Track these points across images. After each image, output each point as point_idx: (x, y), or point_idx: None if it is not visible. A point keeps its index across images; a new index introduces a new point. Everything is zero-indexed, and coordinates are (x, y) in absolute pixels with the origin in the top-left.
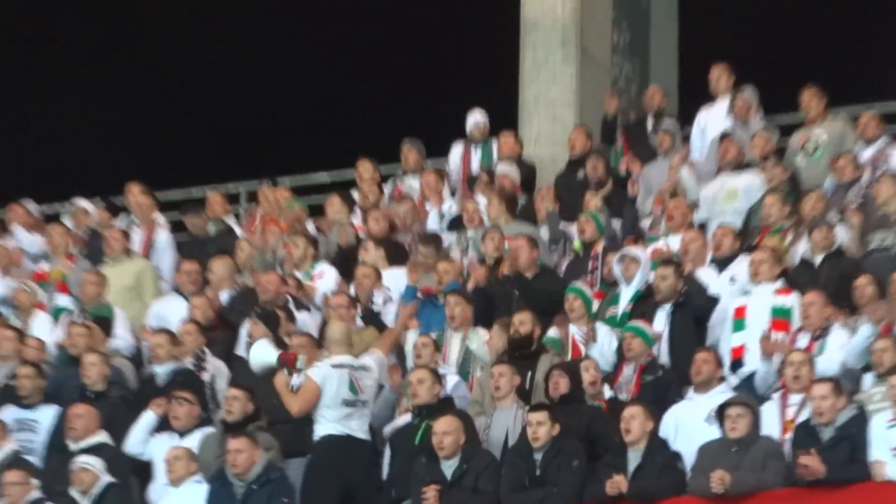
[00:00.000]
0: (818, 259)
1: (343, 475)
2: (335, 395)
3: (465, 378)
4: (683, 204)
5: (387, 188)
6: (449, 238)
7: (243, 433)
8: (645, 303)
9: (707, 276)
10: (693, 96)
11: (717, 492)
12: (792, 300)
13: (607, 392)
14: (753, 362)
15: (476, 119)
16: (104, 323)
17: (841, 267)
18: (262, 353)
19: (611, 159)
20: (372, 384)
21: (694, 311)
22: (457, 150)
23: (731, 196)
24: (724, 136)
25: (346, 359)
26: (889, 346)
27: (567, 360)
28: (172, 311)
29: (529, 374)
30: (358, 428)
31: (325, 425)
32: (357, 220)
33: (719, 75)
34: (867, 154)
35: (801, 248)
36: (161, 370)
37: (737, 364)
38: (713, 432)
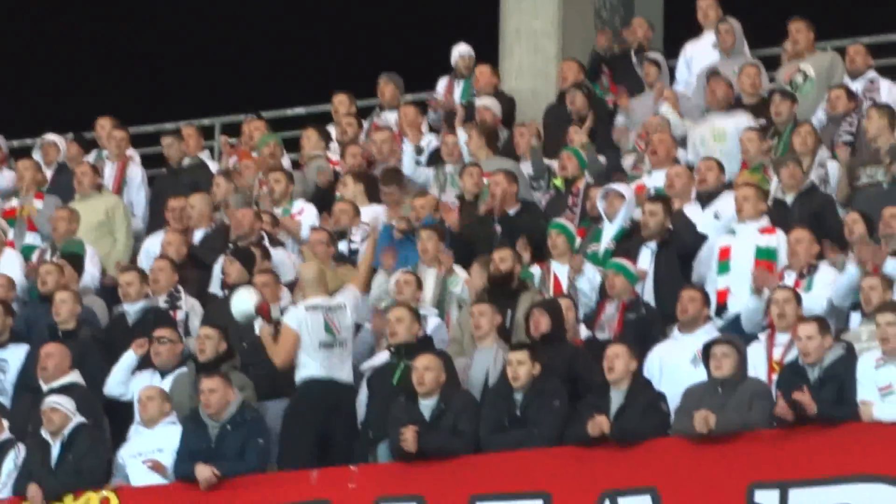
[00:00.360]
0: (790, 198)
1: (322, 420)
2: (312, 339)
3: (442, 316)
4: (668, 138)
5: (365, 123)
6: (427, 173)
7: (217, 373)
8: (629, 240)
9: (691, 212)
10: (678, 29)
11: (702, 432)
12: (776, 240)
13: (584, 332)
14: (738, 306)
15: (460, 51)
16: (75, 260)
17: (813, 205)
18: (242, 303)
19: (596, 90)
20: (348, 323)
21: (681, 249)
22: (441, 84)
23: (719, 137)
24: (712, 75)
25: (319, 300)
26: (876, 285)
27: (548, 297)
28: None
29: (510, 312)
30: (340, 370)
31: (307, 369)
32: (334, 154)
33: (707, 7)
34: (857, 87)
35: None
36: (132, 309)
37: (721, 308)
38: (699, 373)
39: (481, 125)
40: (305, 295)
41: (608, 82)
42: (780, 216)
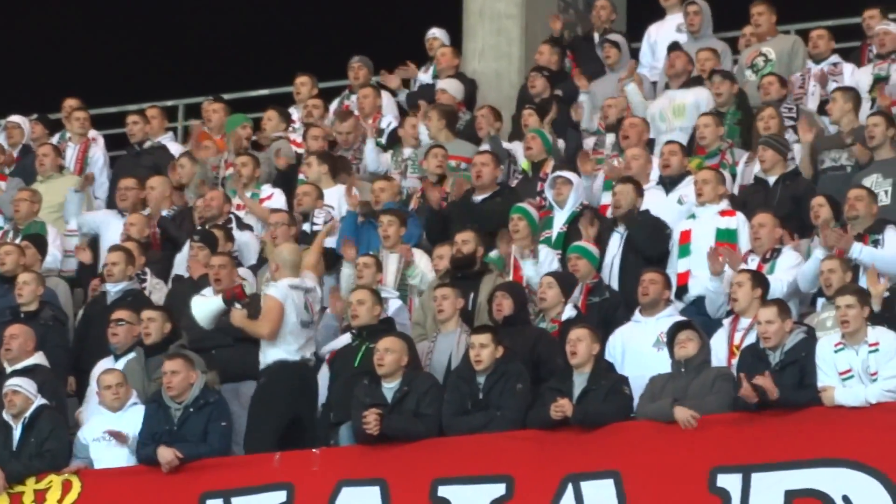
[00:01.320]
0: (772, 179)
1: (293, 404)
2: (295, 318)
3: (404, 301)
4: (640, 122)
5: (333, 105)
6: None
7: (178, 354)
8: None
9: (654, 196)
10: (641, 11)
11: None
12: (736, 221)
13: (568, 311)
14: (699, 288)
15: (431, 33)
16: (38, 241)
17: (797, 188)
18: (205, 305)
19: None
20: (318, 306)
21: (643, 246)
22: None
23: (678, 112)
24: (672, 49)
25: (297, 280)
26: (836, 267)
27: (497, 275)
28: (105, 226)
29: (472, 294)
30: (309, 351)
31: (281, 350)
32: (296, 136)
33: None
34: (814, 70)
35: (756, 168)
36: (113, 289)
37: (682, 290)
38: (661, 356)
39: (441, 107)
40: (282, 275)
41: (570, 65)
42: (761, 197)
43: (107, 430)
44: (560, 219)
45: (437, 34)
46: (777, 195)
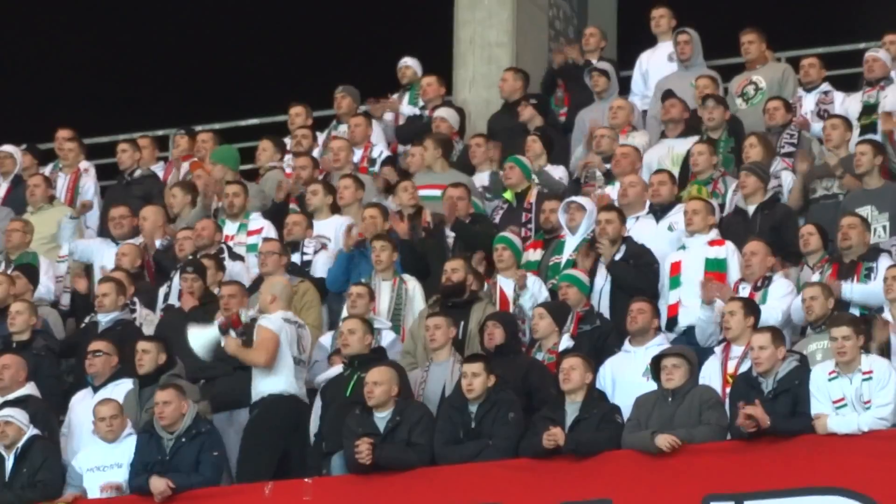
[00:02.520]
0: (751, 208)
1: (286, 438)
2: (289, 351)
3: (397, 330)
4: (632, 151)
5: (321, 136)
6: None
7: (170, 385)
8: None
9: (645, 224)
10: (632, 39)
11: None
12: (725, 251)
13: (565, 342)
14: (689, 318)
15: (402, 62)
16: (29, 271)
17: (774, 216)
18: (201, 336)
19: (551, 104)
20: (308, 344)
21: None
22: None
23: (677, 162)
24: (666, 95)
25: (290, 314)
26: (818, 294)
27: (488, 303)
28: (99, 254)
29: (462, 323)
30: (301, 387)
31: (275, 382)
32: (288, 167)
33: (660, 17)
34: (811, 100)
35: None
36: (104, 318)
37: (672, 322)
38: (651, 386)
39: (437, 136)
40: (276, 307)
41: (563, 94)
42: (740, 226)
43: (106, 487)
44: (571, 244)
45: (409, 63)
46: (757, 224)
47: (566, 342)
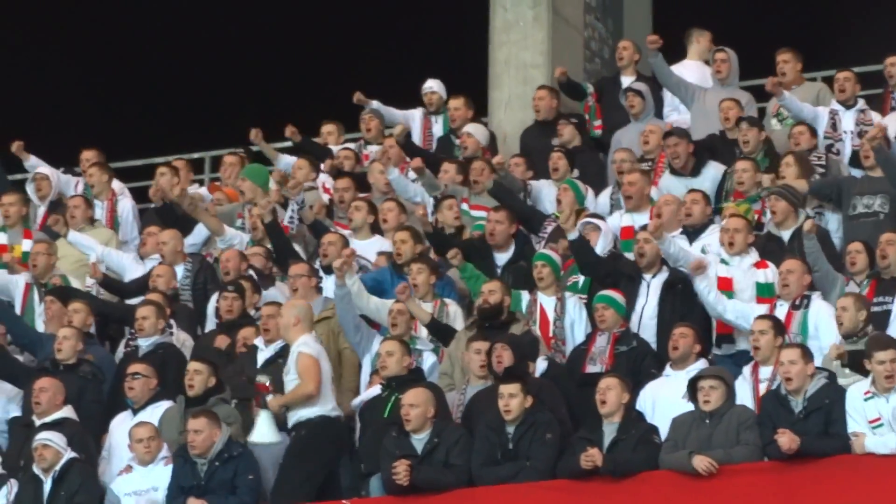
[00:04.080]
0: (786, 234)
1: (333, 460)
2: (329, 373)
3: (436, 352)
4: (639, 178)
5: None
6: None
7: (202, 412)
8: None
9: (679, 245)
10: (667, 58)
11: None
12: (771, 274)
13: (541, 364)
14: (743, 343)
15: (427, 86)
16: (62, 293)
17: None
18: (265, 434)
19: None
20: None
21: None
22: (416, 117)
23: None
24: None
25: (313, 336)
26: (850, 305)
27: (534, 327)
28: (130, 271)
29: None
30: (337, 408)
31: (322, 405)
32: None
33: (697, 38)
34: (850, 118)
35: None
36: (144, 343)
37: (722, 339)
38: (691, 408)
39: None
40: (300, 331)
41: (594, 103)
42: (776, 248)
43: None
44: None
45: (433, 87)
46: (794, 246)
47: (541, 366)
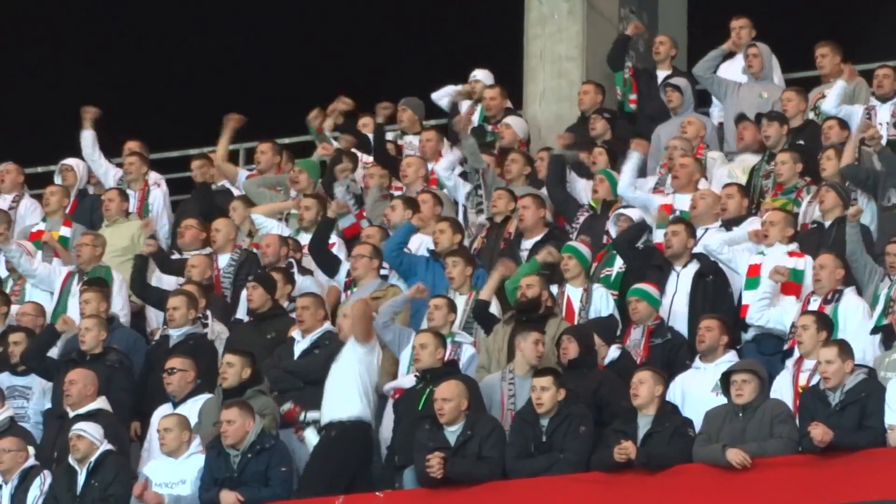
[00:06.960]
0: (828, 222)
1: (360, 465)
2: (368, 377)
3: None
4: (690, 162)
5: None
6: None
7: (235, 403)
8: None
9: (715, 236)
10: (703, 51)
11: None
12: (805, 263)
13: (613, 353)
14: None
15: (472, 75)
16: (99, 285)
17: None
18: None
19: (617, 84)
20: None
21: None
22: (465, 106)
23: (746, 172)
24: (739, 120)
25: None
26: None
27: (562, 319)
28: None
29: None
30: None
31: (362, 407)
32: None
33: (740, 28)
34: (886, 111)
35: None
36: (175, 333)
37: (743, 322)
38: (720, 402)
39: (524, 154)
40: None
41: (630, 78)
42: (814, 239)
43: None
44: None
45: (478, 76)
46: (832, 237)
47: (613, 354)
